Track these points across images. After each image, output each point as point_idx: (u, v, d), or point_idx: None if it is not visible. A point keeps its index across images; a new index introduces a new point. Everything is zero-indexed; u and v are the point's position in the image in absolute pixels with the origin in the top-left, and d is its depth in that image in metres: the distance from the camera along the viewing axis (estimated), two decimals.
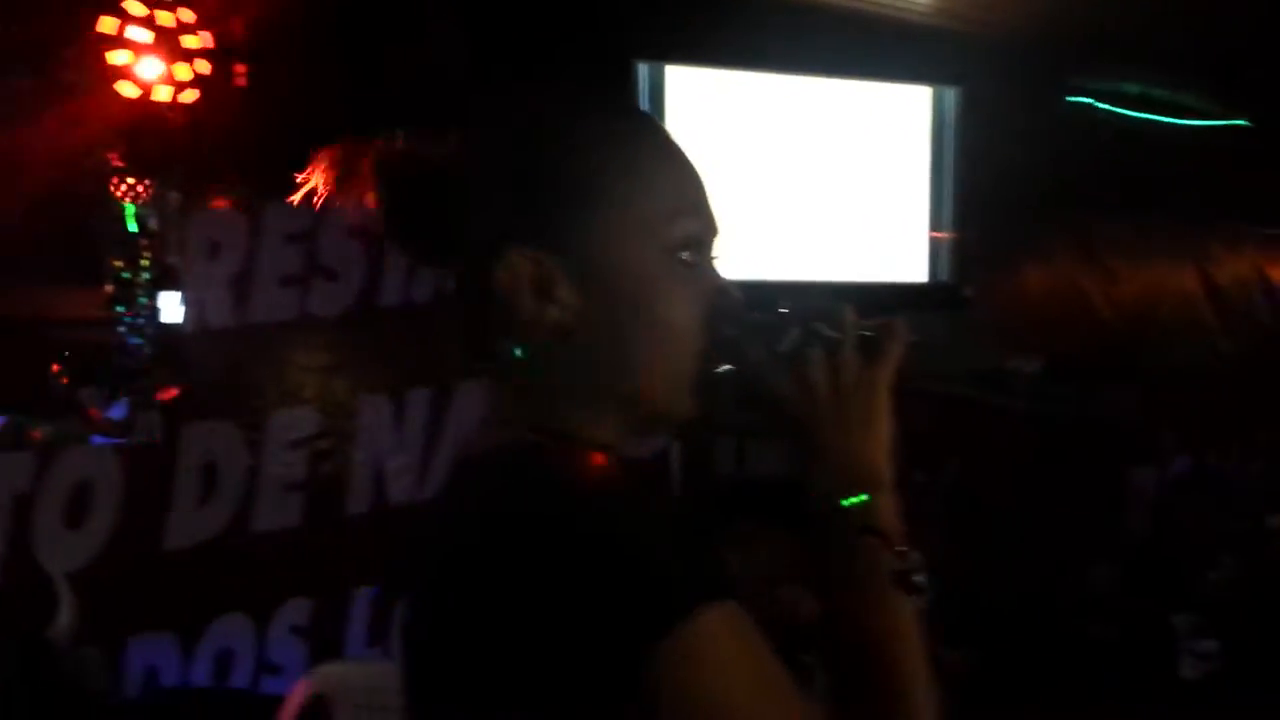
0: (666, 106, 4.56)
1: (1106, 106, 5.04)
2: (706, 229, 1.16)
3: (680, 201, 1.13)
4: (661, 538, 0.98)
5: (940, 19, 4.84)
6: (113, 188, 5.13)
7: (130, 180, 4.76)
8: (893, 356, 1.13)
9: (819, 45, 4.72)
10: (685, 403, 1.14)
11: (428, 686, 1.04)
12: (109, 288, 5.20)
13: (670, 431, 1.24)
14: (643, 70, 4.51)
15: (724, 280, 1.16)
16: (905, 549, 1.10)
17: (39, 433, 5.36)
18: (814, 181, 4.76)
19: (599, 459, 1.08)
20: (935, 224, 4.92)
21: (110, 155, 4.44)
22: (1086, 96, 5.05)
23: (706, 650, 0.94)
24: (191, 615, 4.22)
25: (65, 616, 3.91)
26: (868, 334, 1.13)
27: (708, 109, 4.66)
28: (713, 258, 1.17)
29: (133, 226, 4.92)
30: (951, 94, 4.93)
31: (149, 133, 4.09)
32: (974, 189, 4.93)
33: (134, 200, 4.82)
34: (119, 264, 5.11)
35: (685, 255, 1.12)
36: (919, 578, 1.09)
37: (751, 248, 4.67)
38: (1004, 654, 4.46)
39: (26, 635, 3.85)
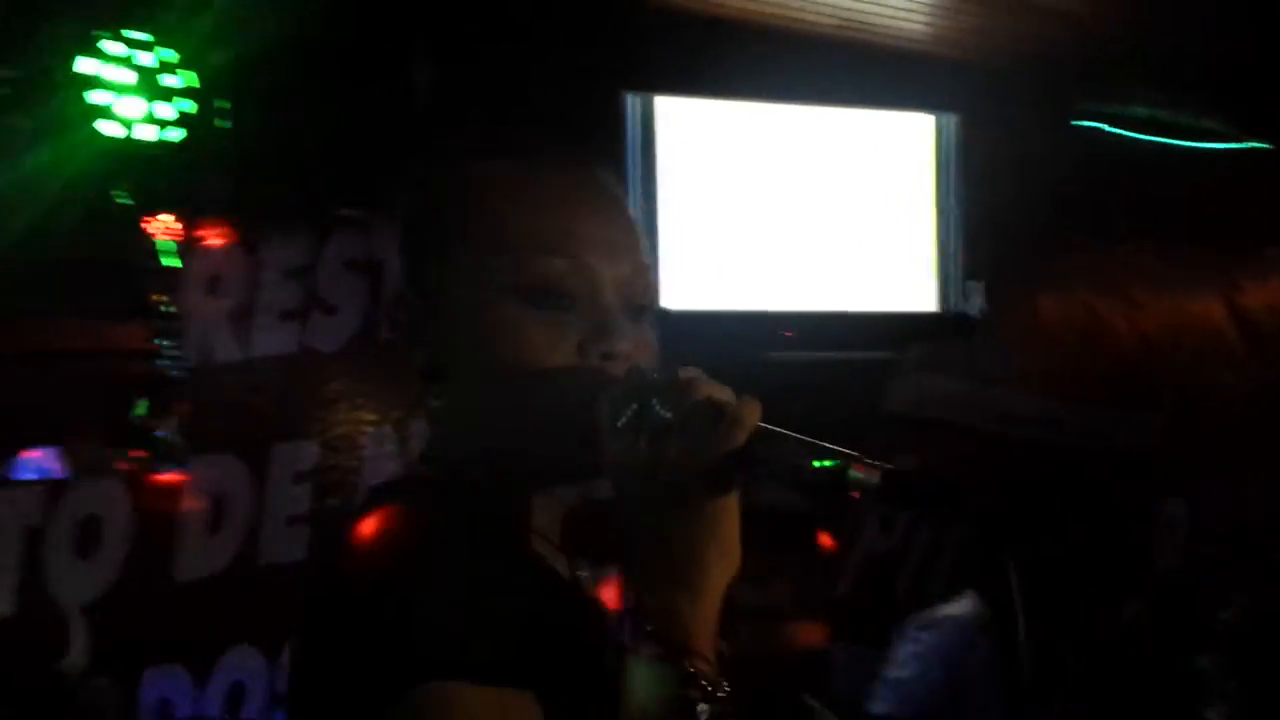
0: (657, 137, 4.57)
1: (1116, 130, 4.95)
2: (568, 273, 1.10)
3: (533, 244, 1.11)
4: (403, 608, 0.97)
5: (938, 47, 4.80)
6: (144, 224, 5.24)
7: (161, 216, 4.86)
8: (729, 439, 1.00)
9: (815, 74, 4.69)
10: (551, 447, 1.09)
11: None
12: (151, 321, 5.28)
13: (564, 477, 1.10)
14: (632, 102, 4.52)
15: (600, 331, 1.10)
16: (696, 668, 0.97)
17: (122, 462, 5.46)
18: (815, 210, 4.72)
19: (399, 515, 1.06)
20: (943, 251, 4.86)
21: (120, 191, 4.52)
22: (1094, 120, 4.97)
23: None
24: (203, 647, 4.24)
25: (78, 648, 3.94)
26: (711, 412, 1.01)
27: (701, 140, 4.65)
28: (600, 303, 1.11)
29: (171, 261, 4.99)
30: (951, 121, 4.87)
31: (146, 170, 4.17)
32: (982, 216, 4.86)
33: (169, 236, 4.90)
34: (160, 298, 5.18)
35: (540, 298, 1.10)
36: (704, 707, 0.96)
37: (752, 278, 4.63)
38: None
39: (41, 666, 3.88)
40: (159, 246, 4.57)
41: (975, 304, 4.89)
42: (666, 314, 1.23)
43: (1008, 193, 4.83)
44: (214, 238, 4.22)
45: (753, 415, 1.01)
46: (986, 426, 5.04)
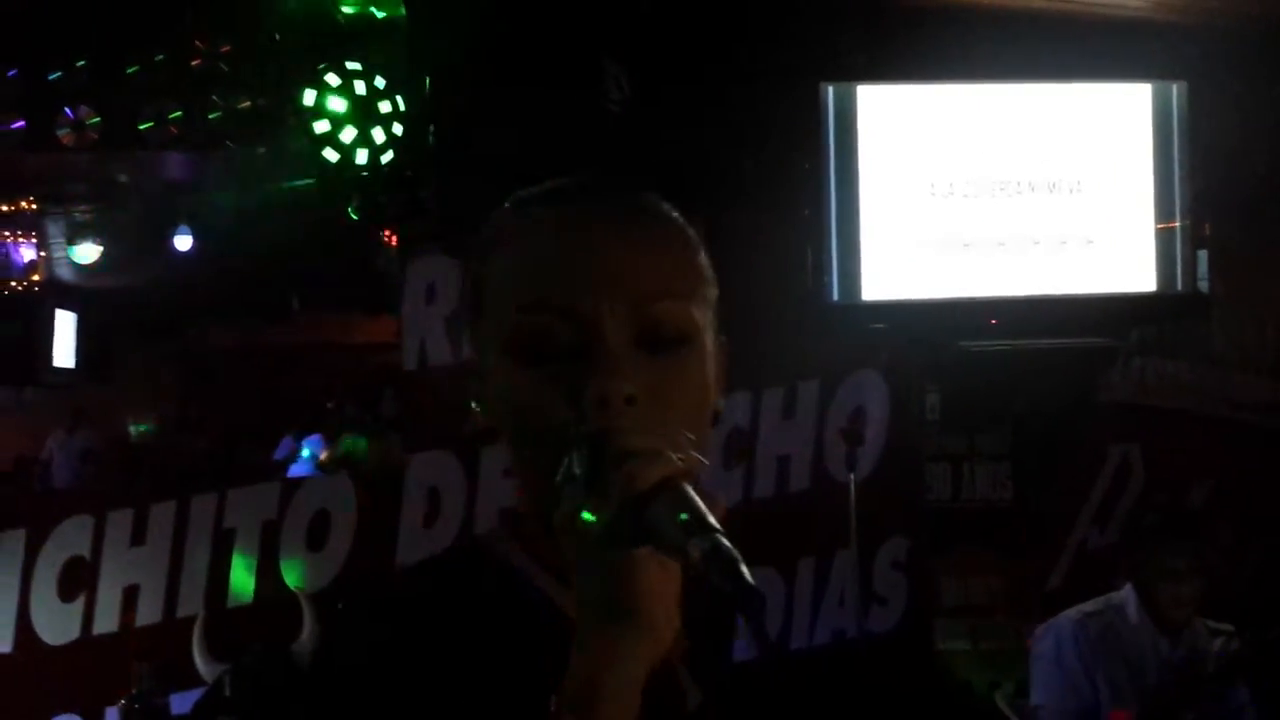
0: (859, 128, 4.52)
1: None
2: (555, 324, 1.03)
3: (519, 298, 1.05)
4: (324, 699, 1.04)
5: (1159, 12, 4.54)
6: (386, 236, 5.63)
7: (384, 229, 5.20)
8: (624, 489, 0.90)
9: (1026, 50, 4.53)
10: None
11: None
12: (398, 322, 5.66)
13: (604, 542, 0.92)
14: (828, 92, 4.49)
15: (596, 377, 1.01)
16: None
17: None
18: (1023, 191, 4.57)
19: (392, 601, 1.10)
20: (1165, 226, 4.61)
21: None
22: None
23: None
24: None
25: (308, 631, 4.26)
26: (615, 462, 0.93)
27: (903, 126, 4.57)
28: (600, 347, 1.02)
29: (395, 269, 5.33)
30: (1175, 89, 4.61)
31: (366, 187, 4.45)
32: (1206, 188, 4.59)
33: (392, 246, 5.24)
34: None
35: (530, 355, 1.03)
36: None
37: (956, 265, 4.54)
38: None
39: (275, 650, 4.21)
40: (387, 255, 4.88)
41: (1203, 278, 4.62)
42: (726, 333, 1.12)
43: (1236, 161, 4.55)
44: (427, 248, 4.47)
45: (653, 469, 0.91)
46: (1217, 413, 4.79)
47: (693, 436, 0.98)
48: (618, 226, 1.06)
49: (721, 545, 0.85)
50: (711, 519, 0.88)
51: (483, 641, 1.04)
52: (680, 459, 0.92)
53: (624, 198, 1.09)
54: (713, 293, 1.09)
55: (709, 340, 1.07)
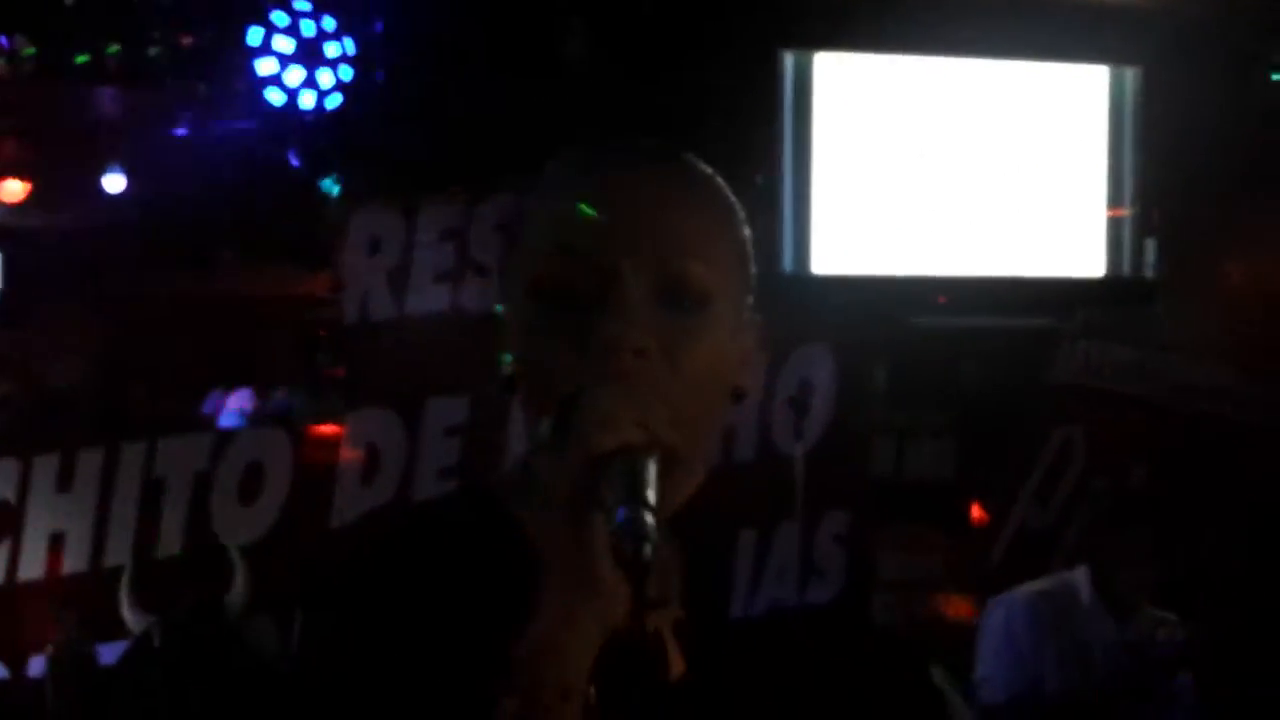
0: (814, 98, 4.48)
1: None
2: (575, 269, 1.04)
3: (542, 243, 1.07)
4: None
5: None
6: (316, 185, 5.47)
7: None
8: (575, 454, 0.93)
9: (985, 25, 4.51)
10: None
11: None
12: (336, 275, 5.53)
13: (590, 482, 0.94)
14: (787, 59, 4.44)
15: (606, 325, 1.02)
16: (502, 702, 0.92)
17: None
18: (977, 170, 4.56)
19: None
20: (1115, 211, 4.63)
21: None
22: None
23: None
24: None
25: (240, 586, 4.18)
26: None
27: (859, 98, 4.53)
28: (614, 298, 1.02)
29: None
30: (1131, 74, 4.62)
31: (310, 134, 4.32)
32: (1159, 175, 4.62)
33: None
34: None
35: (549, 297, 1.04)
36: None
37: (907, 242, 4.52)
38: None
39: (205, 603, 4.13)
40: (329, 205, 4.75)
41: (1151, 265, 4.65)
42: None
43: (1190, 148, 4.57)
44: (372, 201, 4.36)
45: (610, 435, 0.92)
46: (1158, 398, 4.83)
47: (687, 408, 1.00)
48: (653, 183, 1.07)
49: (635, 519, 0.88)
50: (647, 494, 0.90)
51: (466, 587, 1.05)
52: (646, 429, 0.93)
53: (669, 160, 1.10)
54: (747, 268, 1.10)
55: (733, 310, 1.07)
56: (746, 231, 1.10)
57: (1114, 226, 4.61)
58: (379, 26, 4.09)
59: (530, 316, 1.06)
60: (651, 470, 0.92)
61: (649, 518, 0.89)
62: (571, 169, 1.10)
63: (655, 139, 1.13)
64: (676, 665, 1.05)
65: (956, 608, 4.53)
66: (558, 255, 1.05)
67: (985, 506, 4.64)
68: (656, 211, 1.06)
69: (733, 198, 1.11)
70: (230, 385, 7.29)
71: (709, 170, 1.11)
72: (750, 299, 1.10)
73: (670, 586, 1.05)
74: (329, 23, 4.07)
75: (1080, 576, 3.11)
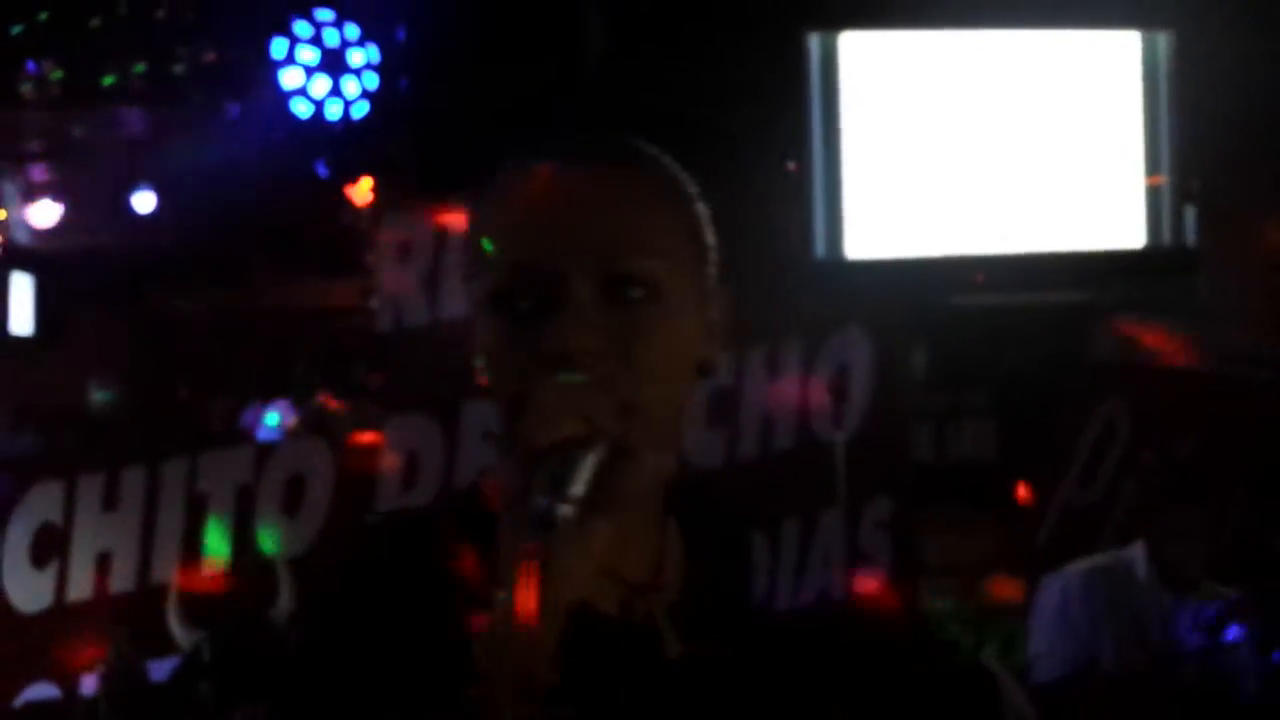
0: (842, 79, 4.43)
1: None
2: (524, 280, 1.05)
3: (496, 254, 1.08)
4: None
5: None
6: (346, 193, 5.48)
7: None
8: (525, 437, 0.98)
9: None
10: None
11: None
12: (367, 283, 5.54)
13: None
14: (812, 41, 4.39)
15: (552, 333, 1.03)
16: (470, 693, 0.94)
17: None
18: (1009, 144, 4.50)
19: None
20: (1153, 179, 4.56)
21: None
22: None
23: None
24: None
25: (285, 599, 4.19)
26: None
27: (887, 76, 4.48)
28: (561, 301, 1.04)
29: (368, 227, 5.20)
30: (1163, 39, 4.55)
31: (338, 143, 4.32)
32: (1197, 143, 4.54)
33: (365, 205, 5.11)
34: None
35: (503, 304, 1.06)
36: None
37: (941, 221, 4.47)
38: None
39: (252, 616, 4.14)
40: (361, 214, 4.75)
41: (1190, 232, 4.58)
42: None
43: (1225, 112, 4.49)
44: (402, 206, 4.36)
45: (550, 430, 0.96)
46: (1203, 368, 4.76)
47: (640, 396, 1.03)
48: (592, 182, 1.09)
49: (550, 512, 0.92)
50: (574, 489, 0.94)
51: (435, 583, 1.07)
52: (589, 422, 0.97)
53: (607, 152, 1.12)
54: (702, 242, 1.11)
55: (691, 289, 1.09)
56: (699, 207, 1.12)
57: (1152, 195, 4.54)
58: (401, 33, 4.07)
59: (490, 324, 1.08)
60: (588, 462, 0.96)
61: (564, 509, 0.93)
62: (512, 175, 1.11)
63: (598, 131, 1.14)
64: (673, 647, 1.08)
65: (1005, 589, 4.48)
66: (504, 268, 1.07)
67: (1030, 486, 4.58)
68: (595, 211, 1.08)
69: (681, 175, 1.12)
70: (268, 397, 7.35)
71: (655, 152, 1.13)
72: (711, 269, 1.11)
73: (664, 572, 1.09)
74: (352, 31, 4.06)
75: (1137, 552, 3.06)
